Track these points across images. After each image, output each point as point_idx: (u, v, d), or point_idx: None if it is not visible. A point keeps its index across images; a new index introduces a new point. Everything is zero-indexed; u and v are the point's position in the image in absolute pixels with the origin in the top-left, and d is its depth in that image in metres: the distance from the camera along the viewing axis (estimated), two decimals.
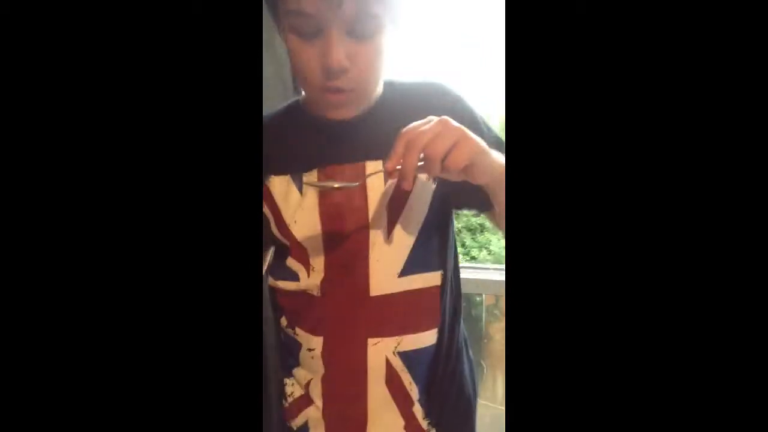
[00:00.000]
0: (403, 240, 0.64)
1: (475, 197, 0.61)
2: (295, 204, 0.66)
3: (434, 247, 0.67)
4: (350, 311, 0.65)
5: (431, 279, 0.66)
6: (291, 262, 0.68)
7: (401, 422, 0.67)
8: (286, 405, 0.73)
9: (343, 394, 0.68)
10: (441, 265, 0.67)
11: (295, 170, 0.65)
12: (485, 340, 1.52)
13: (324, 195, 0.64)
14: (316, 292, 0.66)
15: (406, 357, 0.66)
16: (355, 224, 0.64)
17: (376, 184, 0.63)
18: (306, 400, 0.70)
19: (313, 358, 0.67)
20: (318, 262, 0.65)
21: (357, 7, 0.52)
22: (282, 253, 0.69)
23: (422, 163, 0.51)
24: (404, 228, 0.64)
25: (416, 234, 0.64)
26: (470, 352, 0.75)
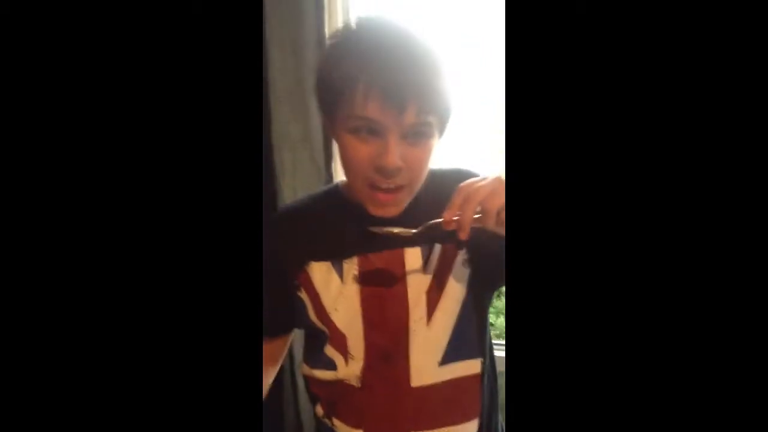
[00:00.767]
0: (443, 327, 0.65)
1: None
2: (336, 291, 0.66)
3: (473, 332, 0.68)
4: (392, 403, 0.65)
5: (472, 366, 0.67)
6: (329, 350, 0.68)
7: None
8: None
9: None
10: (480, 351, 0.68)
11: (335, 257, 0.67)
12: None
13: (365, 282, 0.66)
14: (355, 383, 0.66)
15: None
16: (395, 312, 0.65)
17: (415, 269, 0.65)
18: None
19: None
20: (358, 351, 0.66)
21: (415, 117, 0.57)
22: (318, 340, 0.69)
23: (479, 215, 0.54)
24: (443, 314, 0.65)
25: (455, 320, 0.66)
26: None
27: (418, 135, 0.60)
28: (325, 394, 0.70)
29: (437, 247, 0.66)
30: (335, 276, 0.66)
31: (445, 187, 0.64)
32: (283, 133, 1.04)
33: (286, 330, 0.76)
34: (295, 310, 0.70)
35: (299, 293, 0.69)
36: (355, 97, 0.57)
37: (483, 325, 0.70)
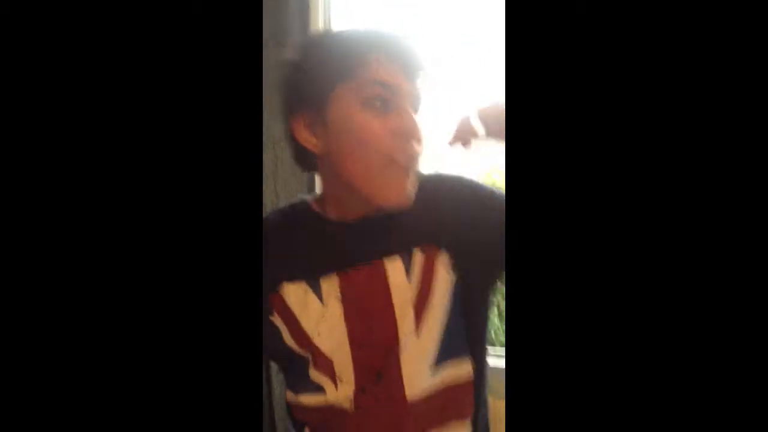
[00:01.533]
0: (432, 336, 0.63)
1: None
2: (317, 314, 0.63)
3: (463, 332, 0.65)
4: (389, 422, 0.62)
5: (463, 366, 0.65)
6: (314, 374, 0.64)
7: None
8: None
9: None
10: (471, 350, 0.66)
11: (311, 276, 0.63)
12: None
13: (348, 301, 0.63)
14: (348, 406, 0.62)
15: None
16: (382, 329, 0.62)
17: (398, 281, 0.62)
18: None
19: None
20: (347, 374, 0.62)
21: (420, 85, 0.60)
22: (297, 365, 0.66)
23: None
24: (432, 323, 0.63)
25: (444, 325, 0.63)
26: None
27: (418, 104, 0.61)
28: (315, 419, 0.67)
29: (418, 255, 0.63)
30: (313, 297, 0.63)
31: (426, 192, 0.65)
32: (265, 130, 0.98)
33: None
34: (266, 336, 0.65)
35: (271, 318, 0.65)
36: (366, 67, 0.58)
37: (478, 324, 0.69)
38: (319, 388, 0.64)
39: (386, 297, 0.62)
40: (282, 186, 1.05)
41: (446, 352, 0.64)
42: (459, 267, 0.65)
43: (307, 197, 0.72)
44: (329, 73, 0.59)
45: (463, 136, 0.62)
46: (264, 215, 0.68)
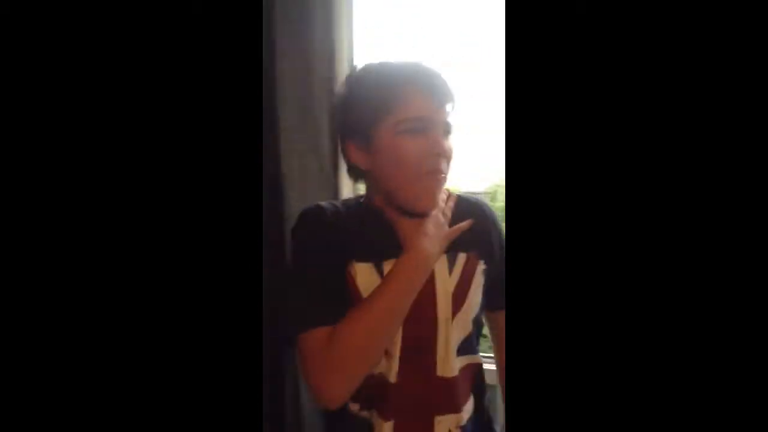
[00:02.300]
0: (462, 326, 0.75)
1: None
2: None
3: (478, 332, 0.80)
4: (421, 393, 0.73)
5: (476, 358, 0.79)
6: None
7: None
8: None
9: None
10: (478, 347, 0.81)
11: (376, 259, 0.74)
12: None
13: None
14: (392, 378, 0.72)
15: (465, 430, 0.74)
16: (426, 308, 0.73)
17: (442, 274, 0.74)
18: None
19: None
20: (394, 348, 0.72)
21: (448, 113, 0.72)
22: None
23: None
24: (464, 315, 0.75)
25: (472, 321, 0.76)
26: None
27: (448, 130, 0.73)
28: (362, 388, 0.72)
29: (461, 255, 0.76)
30: (377, 278, 0.72)
31: (486, 213, 0.81)
32: (291, 142, 1.09)
33: (335, 321, 0.78)
34: (343, 303, 0.74)
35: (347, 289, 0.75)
36: (403, 100, 0.70)
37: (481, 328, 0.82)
38: None
39: (431, 282, 0.73)
40: (309, 192, 1.12)
41: (467, 346, 0.76)
42: (488, 276, 0.78)
43: (359, 196, 0.84)
44: (371, 110, 0.72)
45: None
46: (302, 211, 0.80)
